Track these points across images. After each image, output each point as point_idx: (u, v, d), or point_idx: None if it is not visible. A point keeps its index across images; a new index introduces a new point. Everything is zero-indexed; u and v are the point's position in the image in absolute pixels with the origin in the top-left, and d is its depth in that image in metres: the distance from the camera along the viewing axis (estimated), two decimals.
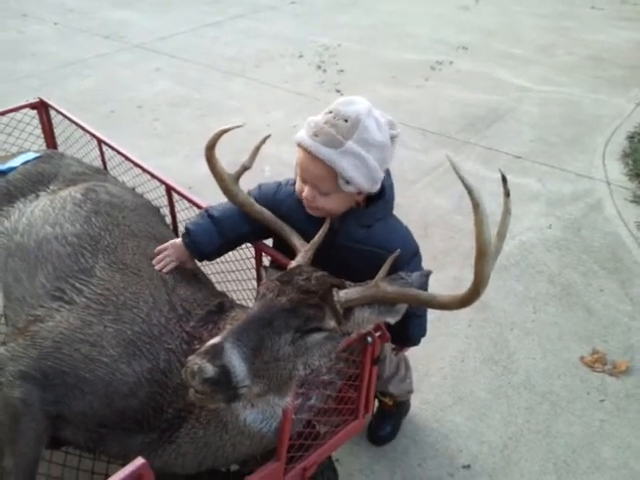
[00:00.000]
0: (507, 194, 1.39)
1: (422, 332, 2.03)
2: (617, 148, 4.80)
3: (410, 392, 2.41)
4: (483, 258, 1.39)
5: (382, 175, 1.73)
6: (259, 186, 1.96)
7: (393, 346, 2.10)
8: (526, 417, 2.57)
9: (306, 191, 1.73)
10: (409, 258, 1.82)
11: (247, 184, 1.88)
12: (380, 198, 1.81)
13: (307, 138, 1.66)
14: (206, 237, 1.89)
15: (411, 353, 2.82)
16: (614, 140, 4.93)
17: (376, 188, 1.75)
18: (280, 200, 1.88)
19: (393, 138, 1.73)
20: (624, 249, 3.60)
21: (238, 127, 1.73)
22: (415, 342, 2.05)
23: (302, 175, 1.74)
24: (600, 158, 4.66)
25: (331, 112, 1.67)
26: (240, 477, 1.65)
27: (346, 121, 1.63)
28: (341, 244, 1.80)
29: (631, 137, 4.96)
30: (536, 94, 5.83)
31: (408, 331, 1.94)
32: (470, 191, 1.32)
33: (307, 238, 1.79)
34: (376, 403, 2.37)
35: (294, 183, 1.88)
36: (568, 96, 5.78)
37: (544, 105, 5.61)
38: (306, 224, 1.82)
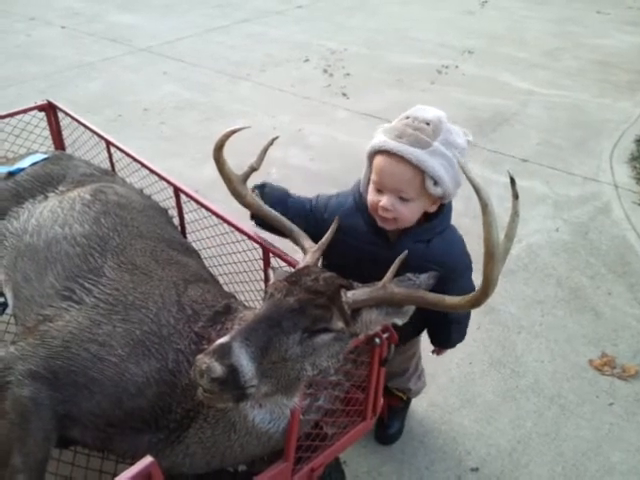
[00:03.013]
0: (516, 196, 1.38)
1: (461, 338, 2.10)
2: (624, 152, 4.79)
3: (422, 389, 2.47)
4: (492, 260, 1.39)
5: (462, 180, 1.67)
6: (317, 196, 1.99)
7: (433, 348, 2.21)
8: (534, 420, 2.56)
9: (385, 200, 1.66)
10: (463, 271, 1.85)
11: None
12: (441, 211, 1.78)
13: (391, 141, 1.62)
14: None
15: None
16: (621, 144, 4.93)
17: (455, 194, 1.73)
18: (336, 200, 1.90)
19: (469, 143, 1.73)
20: (632, 252, 3.59)
21: (246, 128, 1.73)
22: (452, 345, 2.15)
23: (382, 182, 1.68)
24: (607, 161, 4.65)
25: (408, 117, 1.66)
26: (248, 477, 1.65)
27: (428, 124, 1.63)
28: (393, 257, 1.65)
29: (638, 141, 4.95)
30: (542, 98, 5.83)
31: (449, 336, 2.05)
32: (478, 191, 1.32)
33: (363, 253, 1.79)
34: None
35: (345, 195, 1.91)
36: (574, 100, 5.78)
37: (550, 109, 5.60)
38: (363, 236, 1.80)
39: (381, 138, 1.66)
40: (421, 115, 1.65)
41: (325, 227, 1.80)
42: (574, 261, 3.52)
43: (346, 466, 2.28)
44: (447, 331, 2.03)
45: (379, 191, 1.70)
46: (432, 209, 1.75)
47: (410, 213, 1.70)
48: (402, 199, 1.67)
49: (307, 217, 1.90)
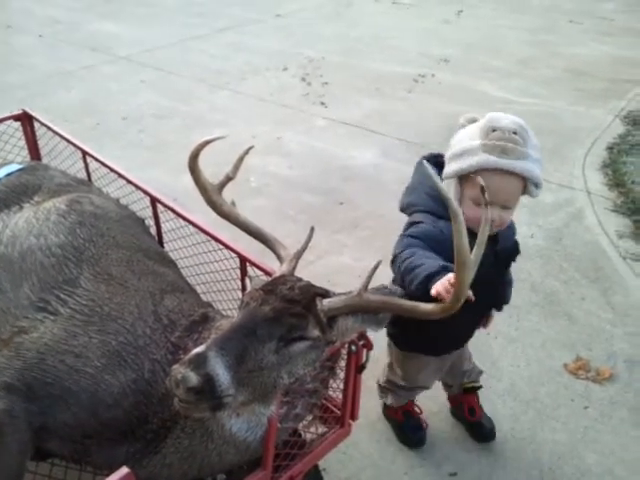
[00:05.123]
0: (485, 204, 1.42)
1: (510, 297, 2.23)
2: (597, 159, 4.88)
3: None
4: (463, 267, 1.42)
5: None
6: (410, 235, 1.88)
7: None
8: (511, 424, 2.59)
9: (493, 214, 1.72)
10: None
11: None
12: None
13: (499, 160, 1.71)
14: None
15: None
16: (594, 151, 5.02)
17: None
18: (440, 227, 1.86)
19: None
20: (605, 257, 3.66)
21: (221, 138, 1.74)
22: (501, 308, 2.21)
23: (491, 198, 1.67)
24: (580, 169, 4.73)
25: (495, 130, 1.73)
26: None
27: (515, 133, 1.72)
28: (503, 248, 1.95)
29: (610, 148, 5.05)
30: (517, 106, 5.90)
31: (503, 297, 2.17)
32: (447, 200, 1.35)
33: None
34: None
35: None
36: (548, 108, 5.87)
37: (525, 117, 5.49)
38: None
39: (482, 157, 1.72)
40: (505, 126, 1.73)
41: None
42: (548, 266, 3.58)
43: (326, 473, 2.28)
44: (504, 292, 2.17)
45: (478, 205, 1.75)
46: None
47: (510, 216, 1.87)
48: (504, 207, 1.79)
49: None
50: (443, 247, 1.73)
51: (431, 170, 1.44)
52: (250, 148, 1.82)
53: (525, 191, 1.80)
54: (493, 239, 1.87)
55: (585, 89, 6.36)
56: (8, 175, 2.39)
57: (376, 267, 1.61)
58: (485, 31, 8.45)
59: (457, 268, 1.43)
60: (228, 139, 1.76)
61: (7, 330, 1.76)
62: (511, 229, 2.03)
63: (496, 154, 1.71)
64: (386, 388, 2.45)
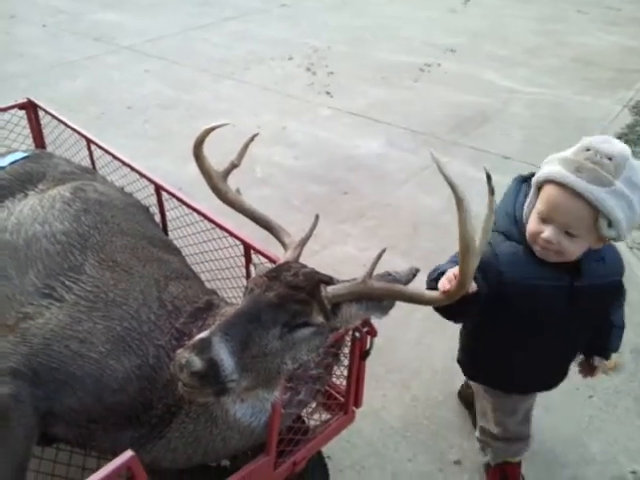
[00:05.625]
0: (491, 192, 1.40)
1: (619, 344, 2.00)
2: None
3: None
4: (467, 254, 1.41)
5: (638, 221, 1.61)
6: None
7: (579, 368, 2.12)
8: None
9: (549, 232, 1.61)
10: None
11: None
12: None
13: (568, 174, 1.54)
14: None
15: (402, 351, 2.85)
16: None
17: (628, 236, 1.67)
18: (500, 252, 1.76)
19: None
20: None
21: (225, 125, 1.74)
22: (608, 355, 2.02)
23: (550, 215, 1.61)
24: None
25: (589, 149, 1.56)
26: (231, 472, 1.66)
27: (610, 159, 1.53)
28: (585, 285, 1.73)
29: (618, 138, 4.98)
30: (523, 95, 5.89)
31: (608, 342, 1.98)
32: (453, 187, 1.34)
33: (532, 286, 1.72)
34: None
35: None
36: (555, 98, 5.84)
37: (532, 106, 5.66)
38: (529, 274, 1.73)
39: (556, 168, 1.59)
40: (604, 148, 1.54)
41: (501, 280, 1.72)
42: None
43: (330, 460, 2.29)
44: (609, 337, 1.97)
45: (543, 221, 1.64)
46: (597, 246, 1.67)
47: (575, 249, 1.64)
48: (568, 234, 1.61)
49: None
50: (487, 269, 1.65)
51: (437, 157, 1.41)
52: (255, 135, 1.82)
53: (596, 226, 1.57)
54: (569, 272, 1.71)
55: (592, 79, 6.31)
56: (13, 163, 2.40)
57: (381, 255, 1.60)
58: (492, 20, 8.39)
59: (460, 254, 1.42)
60: (233, 128, 1.76)
61: (13, 316, 1.77)
62: (608, 266, 1.78)
63: (570, 169, 1.55)
64: (483, 440, 2.28)
